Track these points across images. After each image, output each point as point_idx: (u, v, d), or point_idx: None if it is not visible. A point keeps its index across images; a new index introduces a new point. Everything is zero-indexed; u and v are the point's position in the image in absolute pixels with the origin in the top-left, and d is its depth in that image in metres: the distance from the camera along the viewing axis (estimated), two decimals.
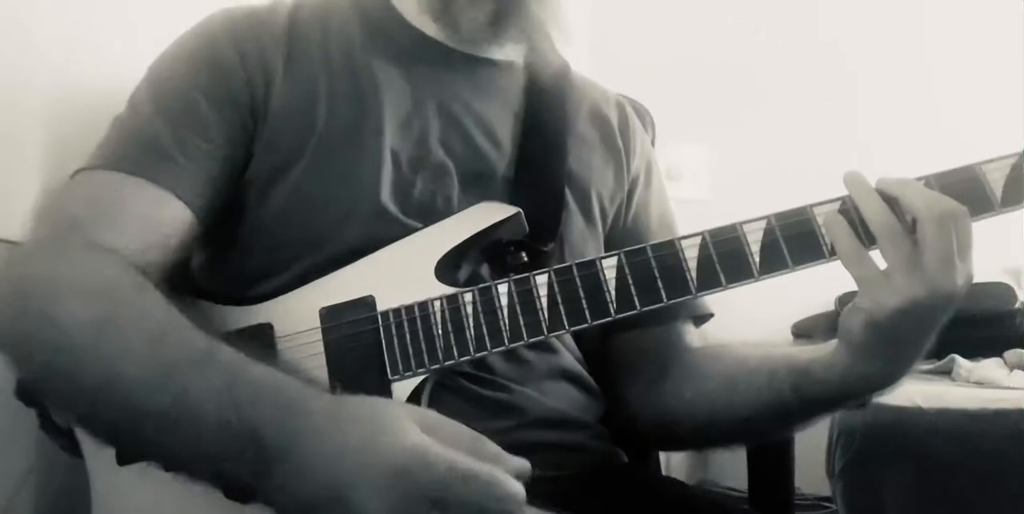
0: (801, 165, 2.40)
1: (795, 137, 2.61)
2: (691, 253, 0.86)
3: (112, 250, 0.84)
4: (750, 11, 2.72)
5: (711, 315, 1.13)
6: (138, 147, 0.93)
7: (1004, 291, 2.40)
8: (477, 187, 1.00)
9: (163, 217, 0.90)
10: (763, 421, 0.97)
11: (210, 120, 0.94)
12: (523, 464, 0.71)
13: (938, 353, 2.27)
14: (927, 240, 0.79)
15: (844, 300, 2.64)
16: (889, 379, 0.87)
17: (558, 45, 1.07)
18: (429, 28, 1.04)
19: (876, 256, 0.83)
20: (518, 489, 0.68)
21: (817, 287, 2.55)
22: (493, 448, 0.71)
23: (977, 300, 2.30)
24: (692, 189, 2.52)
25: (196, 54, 0.98)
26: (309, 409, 0.72)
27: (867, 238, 0.82)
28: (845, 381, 0.87)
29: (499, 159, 1.02)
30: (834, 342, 0.88)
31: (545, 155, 1.04)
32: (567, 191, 1.04)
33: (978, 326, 2.23)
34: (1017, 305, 2.40)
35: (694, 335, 1.11)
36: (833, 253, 0.83)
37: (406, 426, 0.70)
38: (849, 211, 0.83)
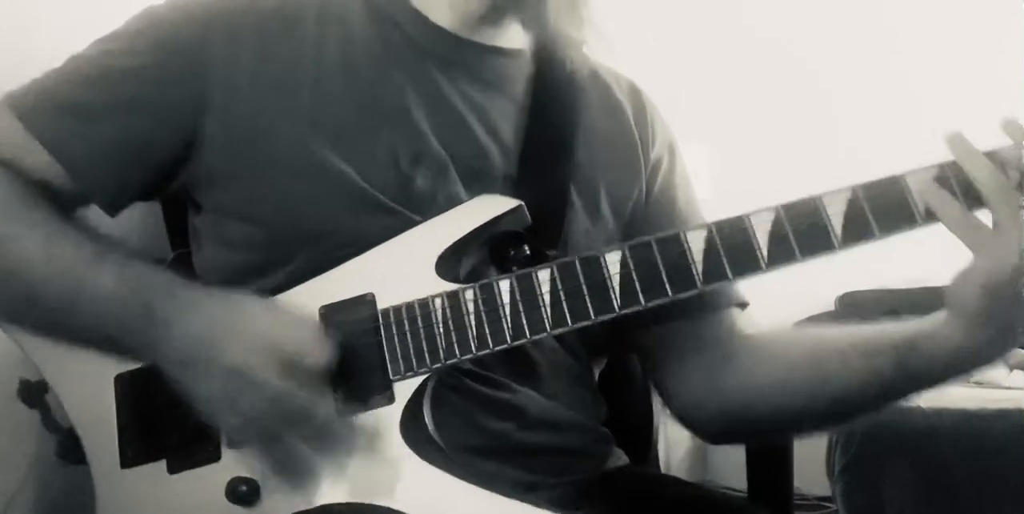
0: (802, 164, 2.39)
1: (796, 136, 2.61)
2: (697, 246, 0.84)
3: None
4: (750, 10, 2.72)
5: (747, 304, 1.10)
6: (50, 106, 0.95)
7: None
8: (478, 183, 0.97)
9: (45, 174, 0.94)
10: (854, 401, 0.95)
11: (133, 102, 0.94)
12: (331, 345, 0.86)
13: None
14: None
15: (844, 300, 2.65)
16: (1000, 350, 0.85)
17: (588, 41, 1.03)
18: (440, 17, 1.01)
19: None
20: (324, 357, 0.85)
21: (817, 287, 2.55)
22: (316, 330, 0.88)
23: None
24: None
25: (159, 33, 0.97)
26: (189, 286, 0.89)
27: (969, 201, 0.80)
28: (955, 354, 0.85)
29: (501, 155, 1.00)
30: (938, 315, 0.86)
31: (549, 152, 1.02)
32: (573, 190, 1.01)
33: None
34: None
35: (746, 321, 1.08)
36: (844, 243, 0.82)
37: (262, 306, 0.89)
38: (947, 178, 0.81)
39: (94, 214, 0.99)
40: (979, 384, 2.15)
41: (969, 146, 0.81)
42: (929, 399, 1.93)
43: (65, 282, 0.88)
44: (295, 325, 0.87)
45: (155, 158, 0.96)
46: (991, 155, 0.81)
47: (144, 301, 0.86)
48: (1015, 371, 2.18)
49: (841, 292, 2.46)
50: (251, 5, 0.98)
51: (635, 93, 1.14)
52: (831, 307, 2.39)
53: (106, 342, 0.90)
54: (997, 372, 2.18)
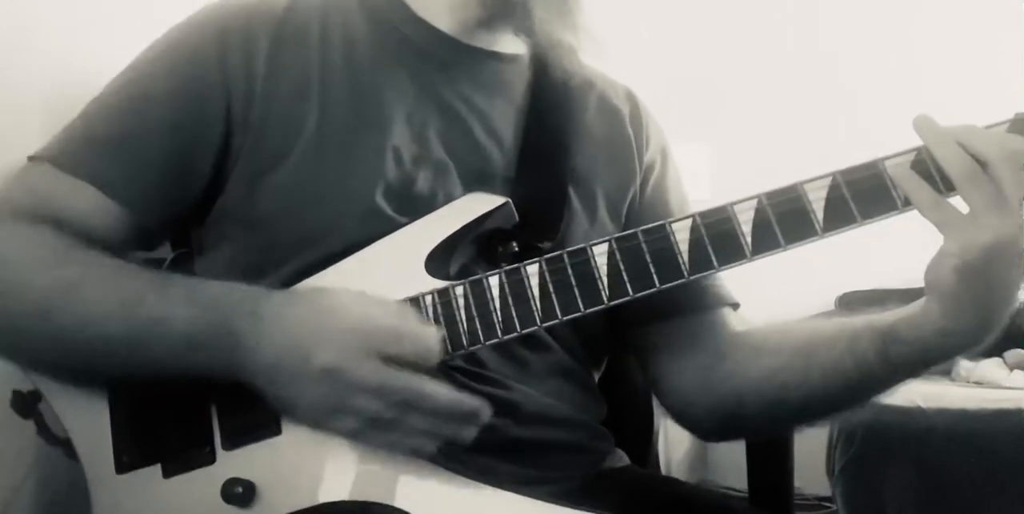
0: (801, 164, 2.39)
1: (795, 136, 2.61)
2: (682, 235, 0.85)
3: (45, 220, 0.92)
4: (750, 10, 2.72)
5: (738, 305, 1.12)
6: (85, 146, 0.95)
7: None
8: (479, 185, 0.99)
9: (94, 218, 0.94)
10: (840, 391, 0.94)
11: (169, 124, 0.95)
12: (439, 333, 0.85)
13: None
14: (1005, 179, 0.79)
15: (844, 300, 2.65)
16: (980, 333, 0.85)
17: (582, 45, 1.04)
18: (440, 21, 1.03)
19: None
20: (435, 345, 0.83)
21: (817, 287, 2.56)
22: (416, 316, 0.86)
23: None
24: (692, 189, 2.51)
25: (177, 52, 0.98)
26: (265, 296, 0.87)
27: (943, 186, 0.81)
28: (935, 338, 0.85)
29: (501, 157, 1.01)
30: (919, 301, 0.86)
31: (547, 153, 1.03)
32: (572, 192, 1.02)
33: None
34: (1017, 305, 2.40)
35: (738, 321, 1.09)
36: (825, 230, 0.83)
37: (350, 300, 0.85)
38: (925, 162, 0.82)
39: None
40: (979, 384, 2.15)
41: (938, 129, 0.82)
42: (929, 399, 1.94)
43: (137, 318, 0.86)
44: (389, 313, 0.85)
45: (197, 173, 0.96)
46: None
47: (222, 323, 0.85)
48: (1015, 371, 2.18)
49: (841, 292, 2.47)
50: (259, 14, 0.99)
51: (631, 98, 1.16)
52: (831, 307, 2.39)
53: (182, 372, 0.88)
54: (997, 372, 2.18)
